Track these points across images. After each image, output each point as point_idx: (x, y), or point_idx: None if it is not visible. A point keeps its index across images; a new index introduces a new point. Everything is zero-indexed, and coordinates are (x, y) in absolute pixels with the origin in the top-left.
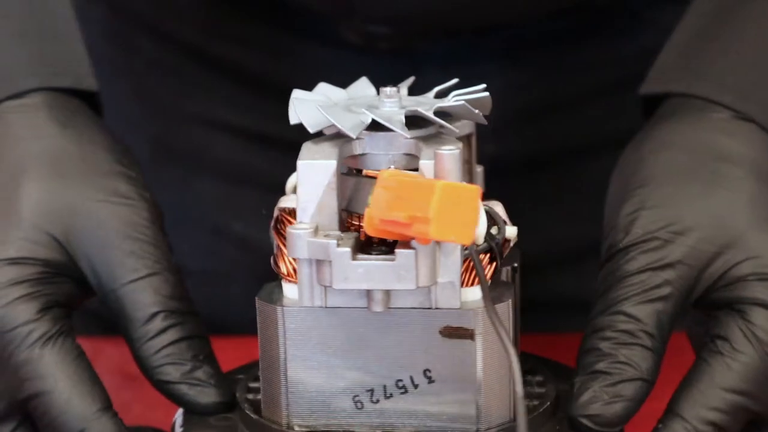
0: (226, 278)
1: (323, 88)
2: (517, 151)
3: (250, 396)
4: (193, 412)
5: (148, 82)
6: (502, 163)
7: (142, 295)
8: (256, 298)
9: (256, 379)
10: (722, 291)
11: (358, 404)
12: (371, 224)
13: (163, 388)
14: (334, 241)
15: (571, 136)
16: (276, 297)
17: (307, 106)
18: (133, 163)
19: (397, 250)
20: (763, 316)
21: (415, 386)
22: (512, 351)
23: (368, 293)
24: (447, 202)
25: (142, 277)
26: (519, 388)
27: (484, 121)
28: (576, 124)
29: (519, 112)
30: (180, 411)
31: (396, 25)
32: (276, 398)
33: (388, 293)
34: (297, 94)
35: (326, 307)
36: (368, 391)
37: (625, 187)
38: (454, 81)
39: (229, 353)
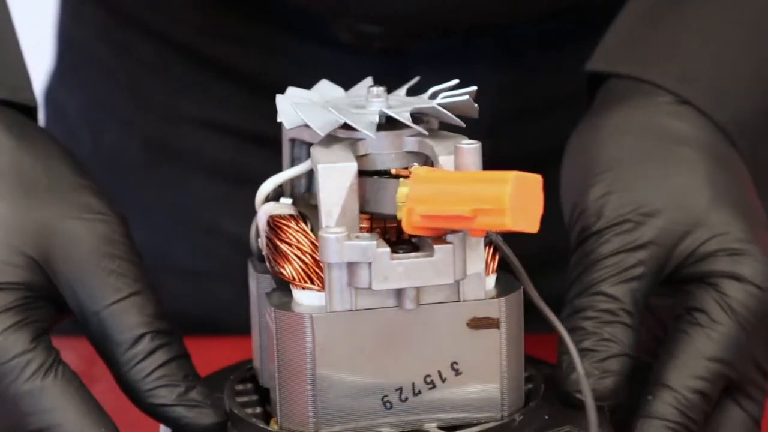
0: (222, 278)
1: (295, 91)
2: (514, 151)
3: (250, 410)
4: None
5: (142, 81)
6: (499, 163)
7: (127, 316)
8: (273, 308)
9: (239, 393)
10: (693, 267)
11: (387, 404)
12: (410, 222)
13: (157, 411)
14: (374, 242)
15: (569, 136)
16: (290, 304)
17: (313, 109)
18: (92, 176)
19: (435, 246)
20: (735, 288)
21: (443, 380)
22: (564, 330)
23: (401, 292)
24: (519, 192)
25: (124, 297)
26: (580, 369)
27: (476, 114)
28: (573, 124)
29: (515, 112)
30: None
31: (389, 24)
32: (301, 408)
33: (419, 290)
34: (284, 97)
35: (355, 311)
36: (397, 390)
37: (587, 172)
38: (417, 79)
39: (224, 354)
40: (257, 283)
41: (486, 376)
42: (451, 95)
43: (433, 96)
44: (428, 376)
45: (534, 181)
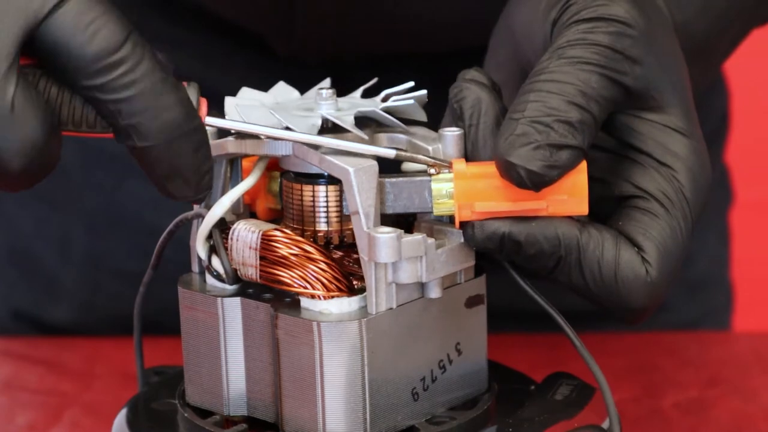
0: (163, 279)
1: (247, 93)
2: None
3: None
4: None
5: None
6: None
7: None
8: (319, 322)
9: None
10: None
11: (415, 395)
12: (462, 216)
13: None
14: (424, 236)
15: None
16: (319, 315)
17: (257, 112)
18: None
19: (459, 231)
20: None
21: (450, 362)
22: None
23: (428, 282)
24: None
25: None
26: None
27: (425, 118)
28: None
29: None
30: None
31: (332, 55)
32: (354, 416)
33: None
34: (233, 99)
35: (396, 308)
36: (421, 380)
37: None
38: (375, 80)
39: (167, 354)
40: (223, 309)
41: (477, 351)
42: (398, 99)
43: (386, 99)
44: (441, 360)
45: (585, 167)
